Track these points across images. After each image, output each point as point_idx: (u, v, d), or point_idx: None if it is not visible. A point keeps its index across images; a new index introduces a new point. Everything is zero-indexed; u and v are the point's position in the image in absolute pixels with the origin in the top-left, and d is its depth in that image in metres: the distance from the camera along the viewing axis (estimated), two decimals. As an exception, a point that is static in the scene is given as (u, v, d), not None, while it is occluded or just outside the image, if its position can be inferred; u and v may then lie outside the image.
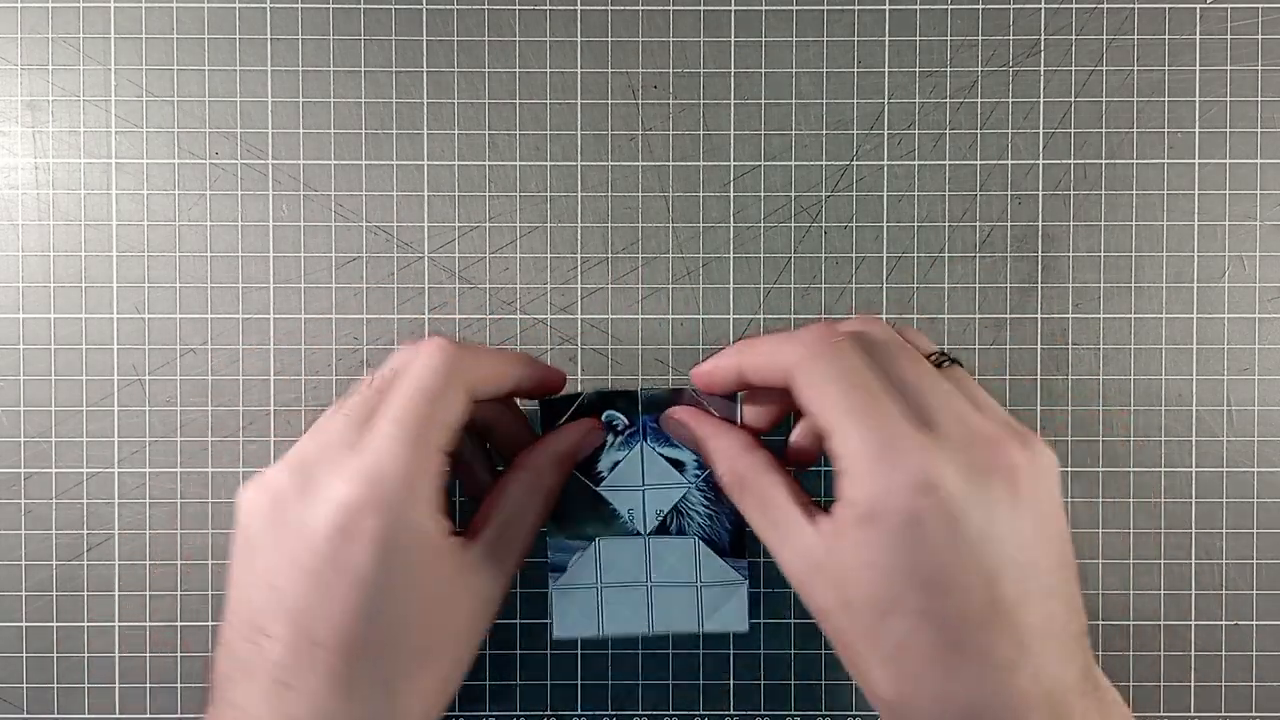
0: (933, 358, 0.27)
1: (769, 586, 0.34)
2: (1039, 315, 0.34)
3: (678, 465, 0.33)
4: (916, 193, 0.34)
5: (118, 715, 0.34)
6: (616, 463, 0.32)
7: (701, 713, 0.34)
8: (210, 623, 0.34)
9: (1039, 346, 0.34)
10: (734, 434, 0.29)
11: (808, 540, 0.25)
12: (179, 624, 0.34)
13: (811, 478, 0.34)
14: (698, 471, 0.33)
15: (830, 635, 0.26)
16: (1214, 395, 0.34)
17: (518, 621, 0.34)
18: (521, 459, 0.30)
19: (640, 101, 0.34)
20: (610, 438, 0.32)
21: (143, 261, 0.34)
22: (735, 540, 0.32)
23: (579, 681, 0.34)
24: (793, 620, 0.34)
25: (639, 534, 0.33)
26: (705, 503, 0.33)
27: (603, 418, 0.32)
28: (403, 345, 0.28)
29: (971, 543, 0.23)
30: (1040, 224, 0.34)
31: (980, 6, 0.34)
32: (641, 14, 0.34)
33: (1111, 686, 0.25)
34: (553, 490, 0.30)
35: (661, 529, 0.33)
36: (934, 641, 0.23)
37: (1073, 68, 0.34)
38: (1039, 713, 0.22)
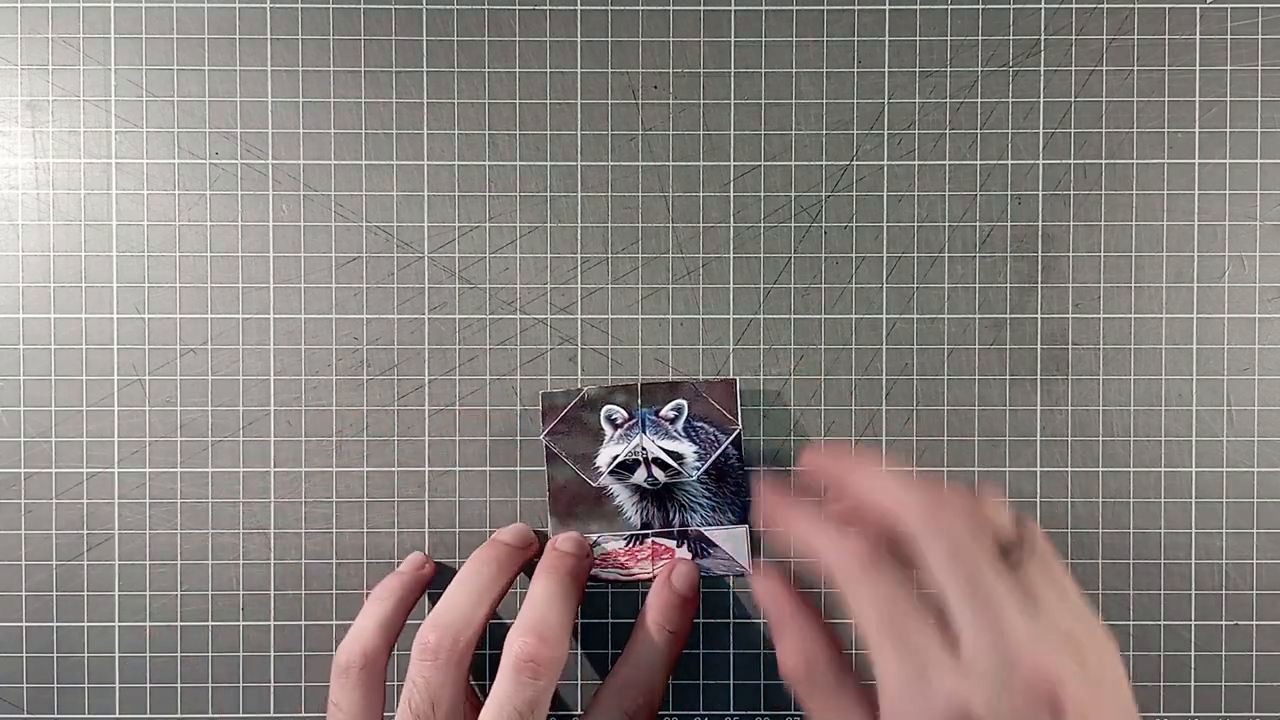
0: (1006, 552, 0.26)
1: (769, 586, 0.34)
2: (1039, 315, 0.34)
3: (677, 458, 0.33)
4: (916, 193, 0.34)
5: (118, 715, 0.34)
6: (615, 456, 0.32)
7: (702, 713, 0.34)
8: (210, 623, 0.34)
9: (1039, 346, 0.34)
10: (818, 627, 0.28)
11: None
12: (179, 624, 0.34)
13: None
14: (697, 464, 0.33)
15: None
16: (1214, 395, 0.34)
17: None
18: (605, 693, 0.30)
19: (640, 101, 0.34)
20: (609, 431, 0.32)
21: (143, 261, 0.34)
22: (739, 519, 0.33)
23: (579, 682, 0.34)
24: (793, 620, 0.34)
25: (643, 532, 0.33)
26: (707, 494, 0.33)
27: (602, 413, 0.32)
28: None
29: None
30: (1040, 224, 0.34)
31: (980, 6, 0.34)
32: (641, 14, 0.34)
33: None
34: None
35: (664, 524, 0.33)
36: None
37: (1073, 68, 0.34)
38: None
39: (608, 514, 0.33)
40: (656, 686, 0.30)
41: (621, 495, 0.33)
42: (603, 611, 0.34)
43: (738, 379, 0.33)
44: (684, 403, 0.33)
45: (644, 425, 0.33)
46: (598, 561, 0.33)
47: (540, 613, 0.29)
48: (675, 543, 0.33)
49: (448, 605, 0.30)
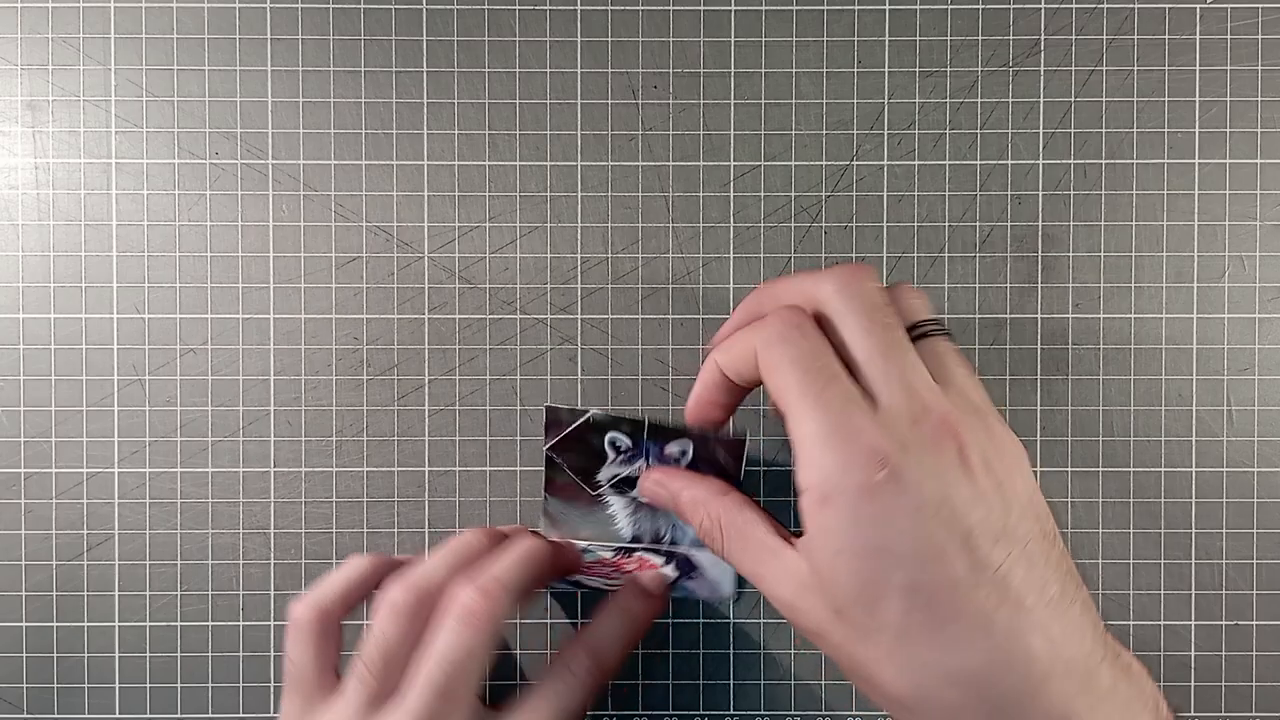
0: (916, 329, 0.26)
1: (769, 586, 0.34)
2: (1039, 315, 0.34)
3: None
4: (916, 193, 0.34)
5: (118, 715, 0.34)
6: (616, 475, 0.32)
7: (702, 713, 0.34)
8: (210, 623, 0.34)
9: (1039, 346, 0.34)
10: (707, 481, 0.29)
11: (790, 561, 0.25)
12: (179, 624, 0.34)
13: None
14: None
15: (832, 654, 0.25)
16: (1214, 395, 0.34)
17: (517, 621, 0.34)
18: (558, 656, 0.30)
19: (640, 101, 0.34)
20: (612, 454, 0.32)
21: (143, 261, 0.34)
22: None
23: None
24: (793, 620, 0.34)
25: (631, 545, 0.33)
26: None
27: (606, 438, 0.32)
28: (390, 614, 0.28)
29: (934, 509, 0.22)
30: (1040, 224, 0.34)
31: (980, 6, 0.34)
32: (641, 14, 0.34)
33: (1134, 658, 0.24)
34: (589, 687, 0.30)
35: (655, 540, 0.33)
36: (931, 616, 0.22)
37: (1073, 68, 0.34)
38: (1061, 681, 0.22)
39: (600, 521, 0.33)
40: (607, 658, 0.30)
41: (616, 506, 0.33)
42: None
43: (748, 439, 0.32)
44: (690, 445, 0.31)
45: (648, 456, 0.32)
46: (584, 569, 0.33)
47: (497, 570, 0.29)
48: (662, 560, 0.33)
49: (425, 570, 0.29)
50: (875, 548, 0.23)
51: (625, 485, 0.32)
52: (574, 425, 0.31)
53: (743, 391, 0.28)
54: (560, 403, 0.34)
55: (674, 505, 0.30)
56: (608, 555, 0.33)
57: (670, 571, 0.33)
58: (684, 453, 0.31)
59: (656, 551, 0.33)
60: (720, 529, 0.27)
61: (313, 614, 0.29)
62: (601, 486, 0.32)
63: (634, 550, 0.33)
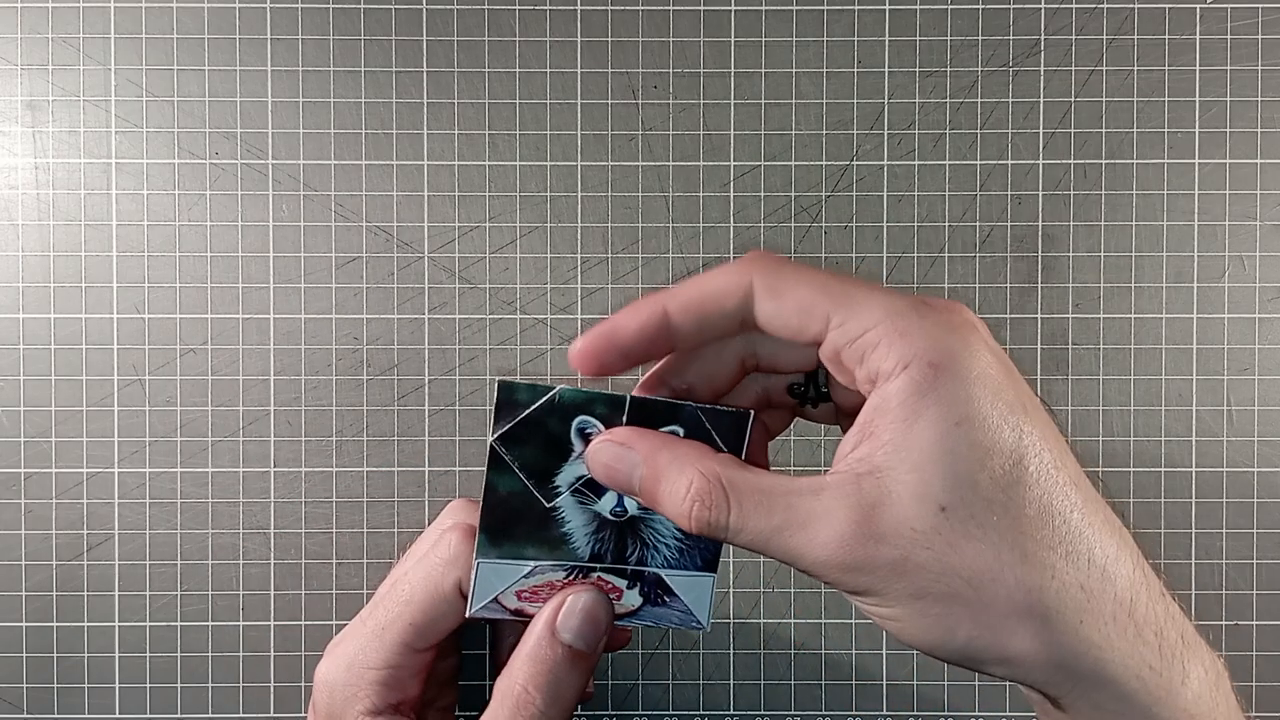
0: None
1: (767, 586, 0.34)
2: (1039, 315, 0.34)
3: None
4: (916, 193, 0.34)
5: (118, 715, 0.34)
6: (580, 477, 0.25)
7: (701, 712, 0.34)
8: (210, 623, 0.34)
9: (1039, 346, 0.34)
10: (689, 442, 0.23)
11: (841, 493, 0.20)
12: (179, 624, 0.34)
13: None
14: None
15: (917, 586, 0.20)
16: (1214, 395, 0.34)
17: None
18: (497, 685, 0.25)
19: (640, 101, 0.34)
20: (579, 446, 0.25)
21: (143, 261, 0.34)
22: (709, 563, 0.26)
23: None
24: (793, 620, 0.34)
25: (589, 565, 0.26)
26: (678, 534, 0.26)
27: (574, 424, 0.25)
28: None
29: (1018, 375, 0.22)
30: (1040, 224, 0.34)
31: (980, 6, 0.34)
32: (641, 14, 0.34)
33: None
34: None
35: (619, 560, 0.26)
36: (1080, 497, 0.20)
37: (1073, 68, 0.34)
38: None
39: (551, 540, 0.26)
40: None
41: (574, 521, 0.26)
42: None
43: (753, 412, 0.25)
44: (680, 431, 0.25)
45: None
46: (526, 596, 0.26)
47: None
48: (626, 584, 0.27)
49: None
50: (1009, 400, 0.20)
51: (589, 492, 0.26)
52: (534, 406, 0.24)
53: (667, 350, 0.23)
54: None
55: (645, 473, 0.23)
56: (558, 578, 0.26)
57: (635, 597, 0.27)
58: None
59: (620, 574, 0.27)
60: (725, 489, 0.22)
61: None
62: (559, 493, 0.25)
63: (592, 571, 0.26)
